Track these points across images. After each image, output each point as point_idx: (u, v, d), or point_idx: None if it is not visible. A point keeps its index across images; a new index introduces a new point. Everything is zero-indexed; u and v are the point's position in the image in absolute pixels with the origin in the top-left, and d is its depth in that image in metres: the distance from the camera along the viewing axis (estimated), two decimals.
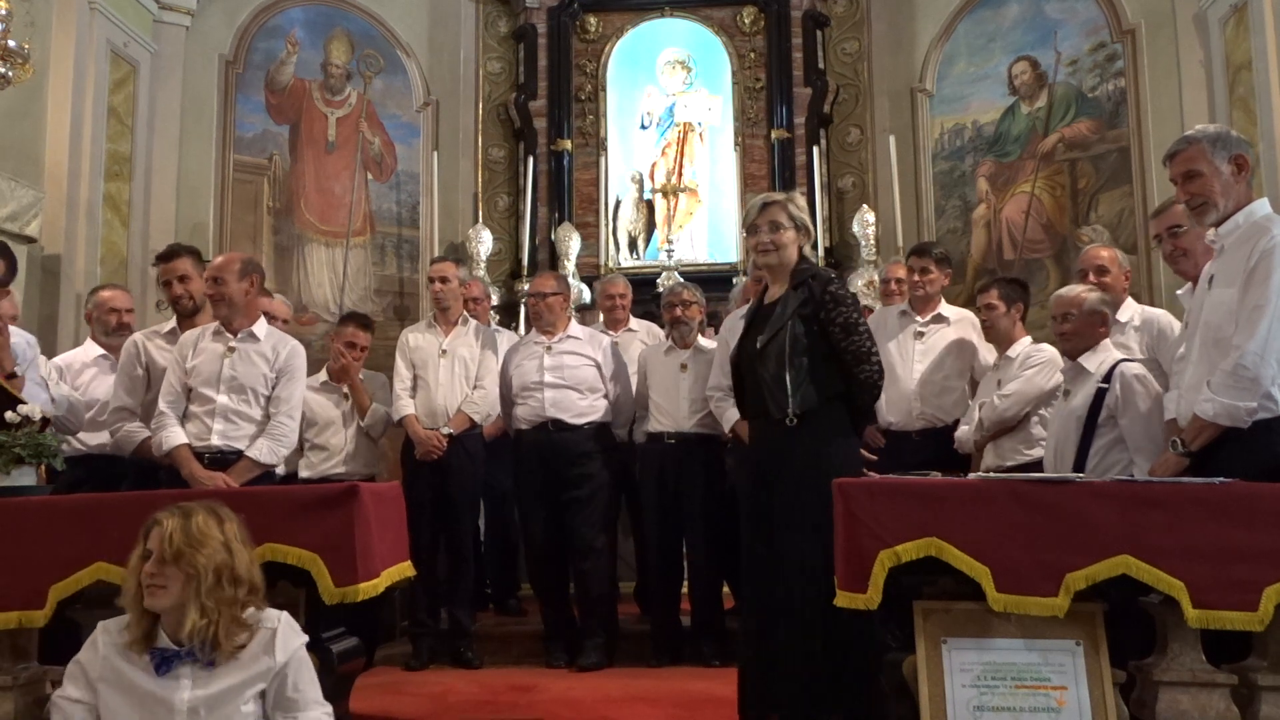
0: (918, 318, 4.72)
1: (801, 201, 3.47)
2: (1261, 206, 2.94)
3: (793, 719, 3.10)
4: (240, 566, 2.30)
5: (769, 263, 3.40)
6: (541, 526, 4.74)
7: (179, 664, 2.25)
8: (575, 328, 4.95)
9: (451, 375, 4.81)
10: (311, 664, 2.38)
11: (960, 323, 4.74)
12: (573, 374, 4.75)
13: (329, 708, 2.38)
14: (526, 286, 7.09)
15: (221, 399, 3.85)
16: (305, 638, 2.38)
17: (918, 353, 4.65)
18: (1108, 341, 3.65)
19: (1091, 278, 4.05)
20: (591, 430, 4.75)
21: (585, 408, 4.74)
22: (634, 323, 5.63)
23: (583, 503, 4.69)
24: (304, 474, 4.82)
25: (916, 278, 4.72)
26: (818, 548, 2.93)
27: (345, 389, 4.85)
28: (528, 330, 6.47)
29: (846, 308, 3.26)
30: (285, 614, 2.38)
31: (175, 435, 3.83)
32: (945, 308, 4.77)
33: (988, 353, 4.67)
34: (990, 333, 4.60)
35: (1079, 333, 3.62)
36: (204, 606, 2.23)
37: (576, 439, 4.70)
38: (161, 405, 3.89)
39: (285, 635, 2.32)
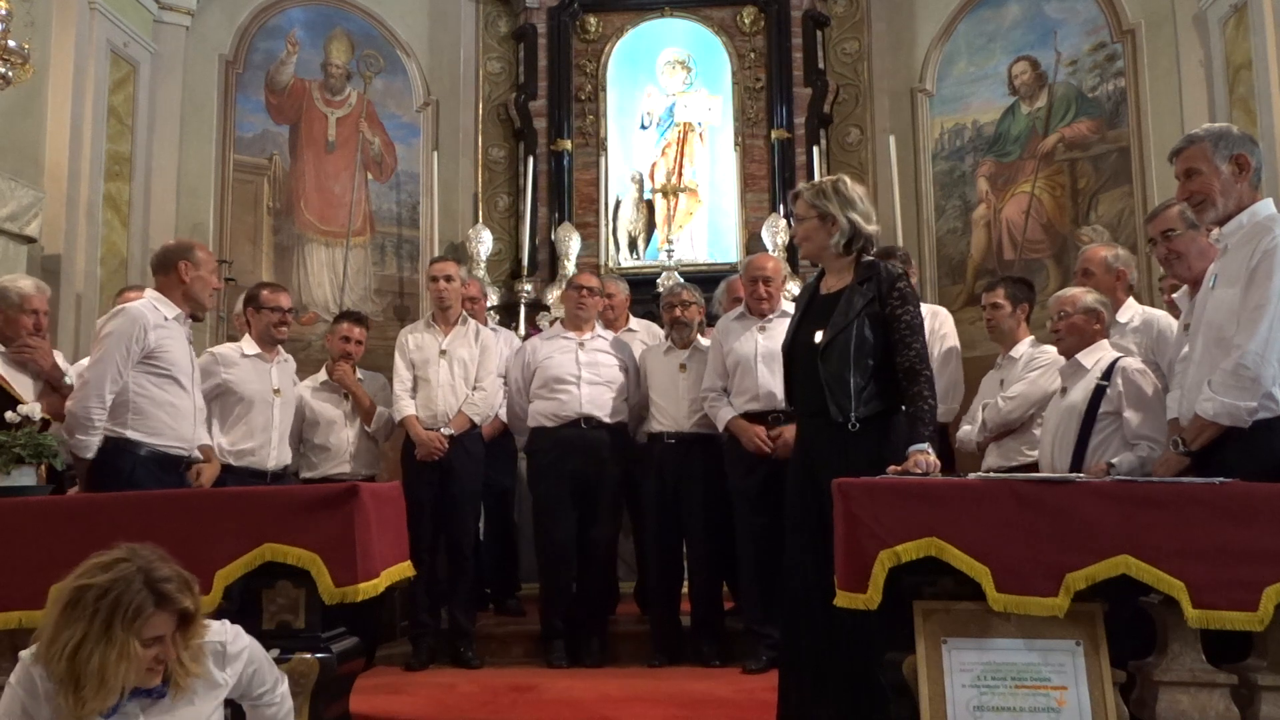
0: None
1: (838, 188, 3.24)
2: (1265, 207, 2.94)
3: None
4: (200, 612, 2.22)
5: (804, 254, 3.44)
6: (573, 526, 4.73)
7: (125, 704, 2.13)
8: (600, 329, 5.00)
9: (451, 376, 4.82)
10: (262, 650, 2.37)
11: (928, 317, 4.73)
12: (607, 372, 4.81)
13: (285, 682, 2.43)
14: (528, 287, 7.14)
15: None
16: (249, 636, 2.35)
17: None
18: (1105, 341, 3.67)
19: (1078, 279, 4.07)
20: (619, 429, 4.80)
21: (616, 406, 4.79)
22: (634, 322, 5.63)
23: (607, 503, 4.76)
24: (305, 474, 4.83)
25: None
26: None
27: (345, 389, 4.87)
28: (528, 330, 6.49)
29: (914, 307, 3.14)
30: (226, 622, 2.33)
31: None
32: None
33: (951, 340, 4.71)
34: (994, 332, 4.61)
35: (1075, 330, 3.65)
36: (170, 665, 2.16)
37: (607, 437, 4.74)
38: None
39: (234, 643, 2.29)
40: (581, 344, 4.83)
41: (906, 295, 3.13)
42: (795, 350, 3.28)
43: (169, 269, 3.85)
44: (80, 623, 2.04)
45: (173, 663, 2.14)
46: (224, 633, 2.28)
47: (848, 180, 3.30)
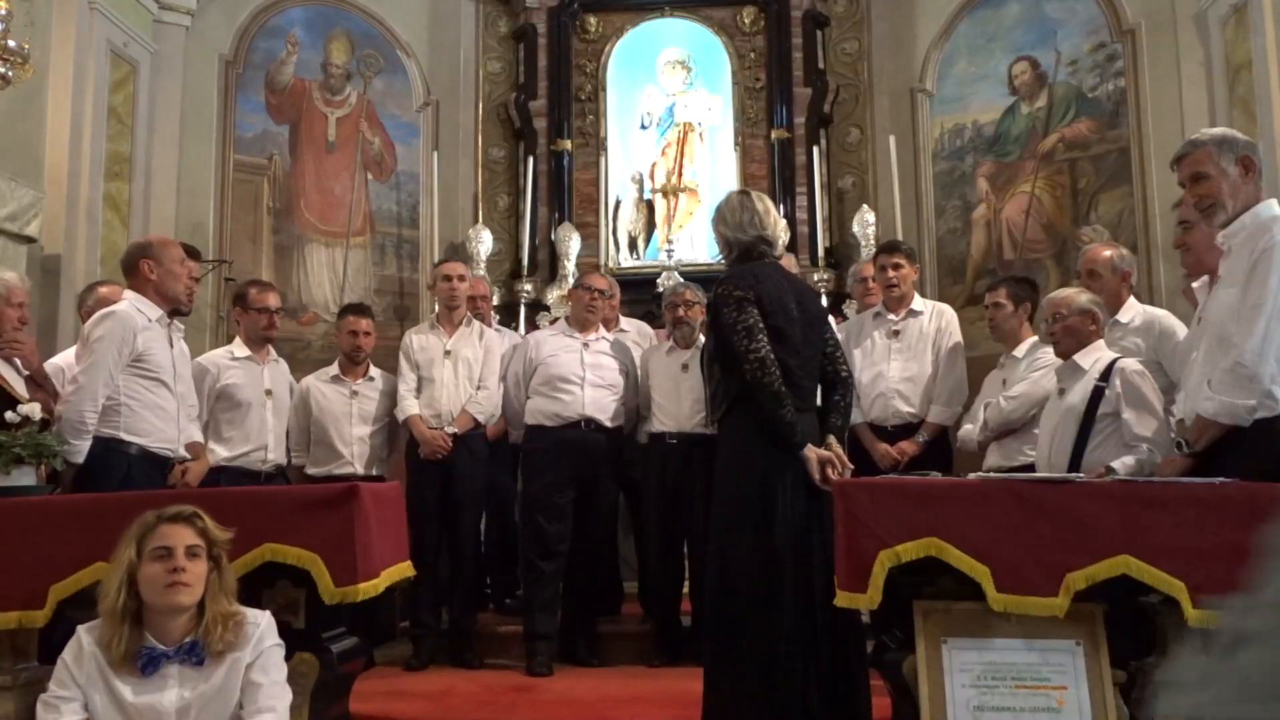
0: (891, 316, 4.73)
1: (721, 205, 3.44)
2: (1268, 208, 2.93)
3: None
4: (231, 567, 2.36)
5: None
6: (564, 526, 4.69)
7: (166, 664, 2.21)
8: (602, 330, 5.01)
9: (455, 376, 4.82)
10: (282, 665, 2.40)
11: (934, 315, 4.75)
12: (609, 375, 4.81)
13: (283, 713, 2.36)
14: (528, 287, 7.13)
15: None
16: (281, 642, 2.42)
17: (894, 350, 4.66)
18: (1101, 341, 3.67)
19: (1082, 280, 4.07)
20: (616, 433, 4.79)
21: (615, 411, 4.79)
22: (624, 322, 5.59)
23: (601, 507, 4.75)
24: (310, 469, 4.84)
25: (890, 274, 4.71)
26: (715, 551, 3.13)
27: (355, 385, 4.86)
28: (528, 331, 6.48)
29: (728, 308, 3.16)
30: (268, 614, 2.43)
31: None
32: (918, 302, 4.79)
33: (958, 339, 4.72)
34: (996, 332, 4.61)
35: (1071, 332, 3.64)
36: (207, 605, 2.24)
37: (605, 440, 4.73)
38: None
39: (270, 628, 2.38)
40: (586, 345, 4.83)
41: (722, 298, 3.21)
42: None
43: (134, 271, 3.81)
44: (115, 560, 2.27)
45: (212, 626, 2.24)
46: (260, 618, 2.39)
47: (734, 196, 3.46)
